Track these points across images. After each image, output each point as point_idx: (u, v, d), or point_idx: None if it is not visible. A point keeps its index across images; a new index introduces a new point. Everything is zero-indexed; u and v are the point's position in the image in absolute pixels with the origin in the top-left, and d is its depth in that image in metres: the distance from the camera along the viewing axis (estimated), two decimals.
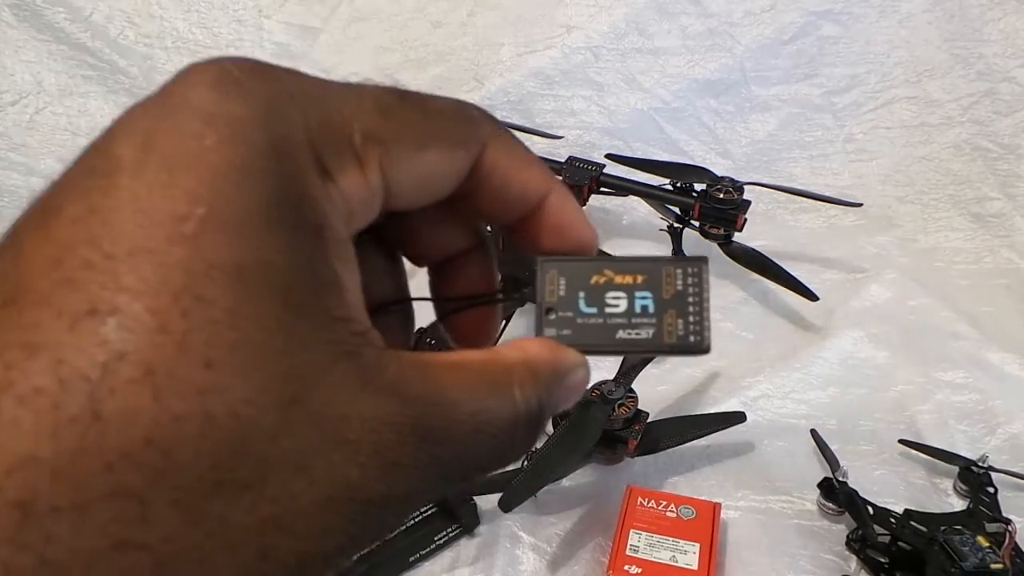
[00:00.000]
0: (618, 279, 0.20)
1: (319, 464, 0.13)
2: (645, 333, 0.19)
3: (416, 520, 0.54)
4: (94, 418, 0.12)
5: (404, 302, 0.22)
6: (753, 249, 0.79)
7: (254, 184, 0.14)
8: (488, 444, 0.16)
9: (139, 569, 0.12)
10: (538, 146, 0.92)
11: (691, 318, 0.19)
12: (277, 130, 0.14)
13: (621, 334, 0.19)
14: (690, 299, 0.19)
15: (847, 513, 0.55)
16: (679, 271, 0.20)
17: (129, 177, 0.13)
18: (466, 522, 0.56)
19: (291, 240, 0.14)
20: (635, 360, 0.61)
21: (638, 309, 0.19)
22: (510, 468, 0.59)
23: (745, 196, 0.76)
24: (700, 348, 0.19)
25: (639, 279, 0.20)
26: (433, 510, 0.55)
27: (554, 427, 0.60)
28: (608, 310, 0.20)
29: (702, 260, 0.20)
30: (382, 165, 0.16)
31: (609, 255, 0.20)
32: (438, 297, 0.23)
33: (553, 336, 0.19)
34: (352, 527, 0.14)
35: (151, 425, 0.12)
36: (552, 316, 0.20)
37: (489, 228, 0.22)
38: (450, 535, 0.55)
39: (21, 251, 0.13)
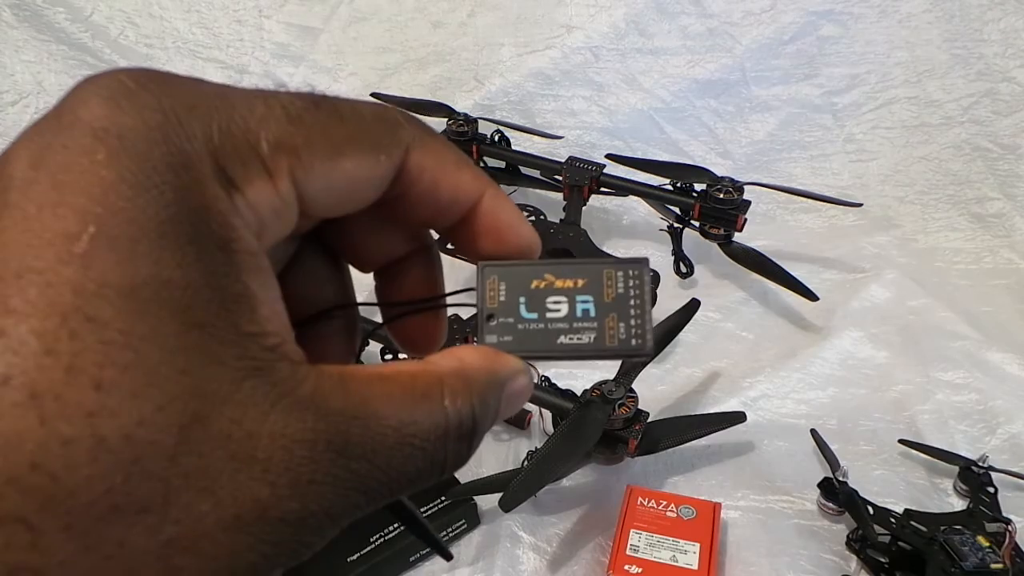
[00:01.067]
0: (559, 283, 0.19)
1: (225, 484, 0.13)
2: (587, 337, 0.19)
3: None
4: None
5: (345, 308, 0.22)
6: (753, 249, 0.79)
7: (148, 199, 0.13)
8: (415, 456, 0.15)
9: None
10: (538, 146, 0.93)
11: (632, 321, 0.19)
12: (174, 142, 0.14)
13: (563, 339, 0.19)
14: (631, 302, 0.19)
15: (847, 513, 0.55)
16: (620, 273, 0.19)
17: (19, 195, 0.13)
18: (466, 522, 0.56)
19: (191, 255, 0.13)
20: (635, 360, 0.61)
21: (579, 313, 0.19)
22: (509, 468, 0.59)
23: (745, 196, 0.76)
24: (642, 351, 0.19)
25: (580, 283, 0.19)
26: (434, 510, 0.55)
27: (554, 427, 0.60)
28: (549, 315, 0.19)
29: (642, 261, 0.19)
30: (294, 174, 0.15)
31: (550, 259, 0.20)
32: (382, 302, 0.22)
33: (494, 343, 0.19)
34: (264, 546, 0.14)
35: (37, 449, 0.12)
36: (493, 322, 0.19)
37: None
38: (450, 535, 0.55)
39: None
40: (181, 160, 0.14)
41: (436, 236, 0.22)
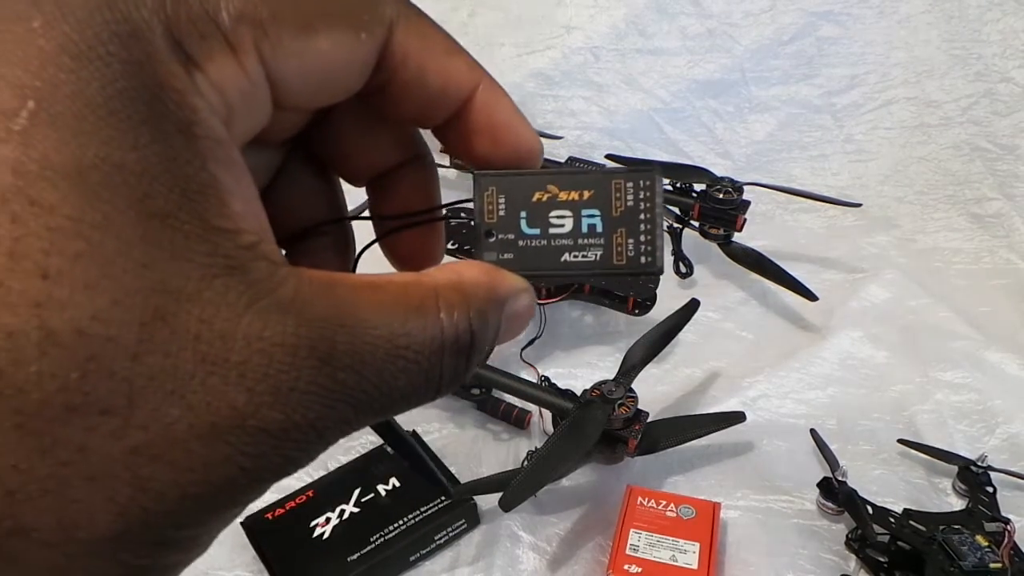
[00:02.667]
0: (563, 195, 0.18)
1: (196, 388, 0.12)
2: (593, 255, 0.18)
3: (416, 520, 0.54)
4: None
5: (336, 222, 0.20)
6: (753, 249, 0.79)
7: (93, 72, 0.12)
8: (409, 371, 0.14)
9: None
10: None
11: (642, 236, 0.18)
12: (120, 9, 0.12)
13: (567, 256, 0.18)
14: (642, 216, 0.18)
15: (846, 513, 0.55)
16: (630, 184, 0.18)
17: None
18: (466, 522, 0.56)
19: (147, 138, 0.12)
20: (635, 360, 0.61)
21: (585, 229, 0.18)
22: (509, 468, 0.59)
23: (745, 196, 0.76)
24: (652, 269, 0.18)
25: (586, 195, 0.18)
26: (434, 509, 0.55)
27: (554, 427, 0.60)
28: (552, 231, 0.18)
29: (654, 170, 0.18)
30: (260, 51, 0.14)
31: (553, 168, 0.19)
32: (373, 215, 0.20)
33: (493, 260, 0.18)
34: (243, 459, 0.13)
35: None
36: (492, 239, 0.18)
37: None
38: (450, 535, 0.55)
39: None
40: (128, 29, 0.12)
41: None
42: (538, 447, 0.57)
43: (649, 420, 0.58)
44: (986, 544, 0.50)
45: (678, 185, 0.80)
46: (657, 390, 0.69)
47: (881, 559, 0.52)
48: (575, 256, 0.18)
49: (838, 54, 0.95)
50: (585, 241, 0.18)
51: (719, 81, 0.96)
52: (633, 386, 0.58)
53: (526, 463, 0.58)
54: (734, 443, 0.63)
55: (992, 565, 0.48)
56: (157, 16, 0.12)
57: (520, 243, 0.18)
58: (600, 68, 0.96)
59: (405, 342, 0.14)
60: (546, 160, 0.85)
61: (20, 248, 0.11)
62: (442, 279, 0.16)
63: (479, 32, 0.97)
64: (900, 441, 0.62)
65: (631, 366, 0.60)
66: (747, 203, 0.76)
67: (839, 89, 0.96)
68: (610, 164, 0.84)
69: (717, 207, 0.75)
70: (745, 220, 0.76)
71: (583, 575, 0.54)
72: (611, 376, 0.59)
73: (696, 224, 0.79)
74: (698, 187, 0.78)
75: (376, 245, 0.21)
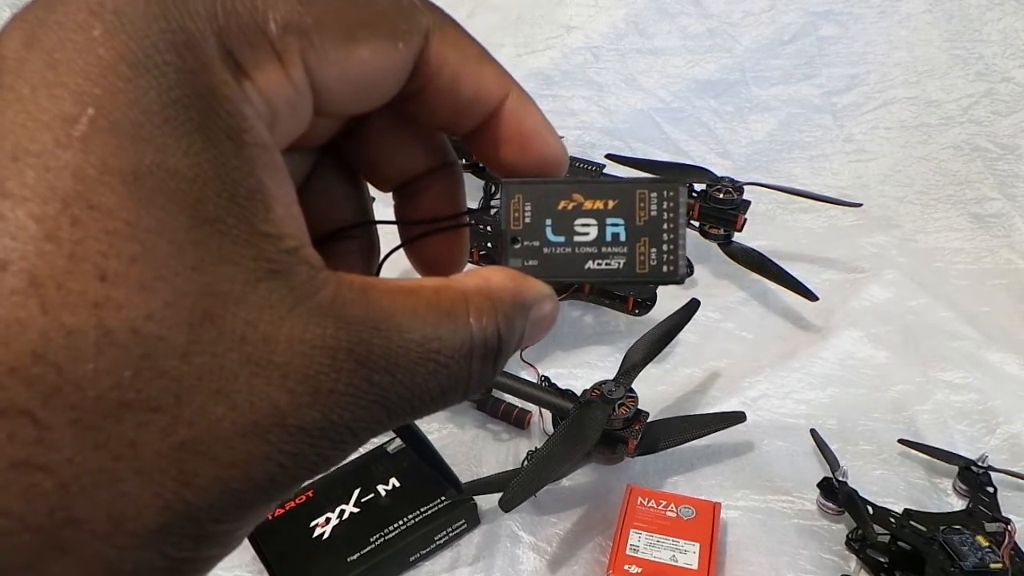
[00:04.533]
0: (588, 204, 0.18)
1: (240, 387, 0.12)
2: (616, 263, 0.18)
3: (416, 520, 0.54)
4: None
5: (364, 226, 0.21)
6: (753, 249, 0.79)
7: (150, 80, 0.12)
8: (439, 373, 0.15)
9: (42, 491, 0.11)
10: None
11: (665, 246, 0.18)
12: (175, 19, 0.12)
13: (590, 264, 0.18)
14: (665, 226, 0.18)
15: (847, 513, 0.55)
16: (654, 195, 0.18)
17: (12, 76, 0.12)
18: (466, 522, 0.56)
19: (199, 144, 0.12)
20: (635, 360, 0.61)
21: (609, 237, 0.18)
22: (509, 468, 0.59)
23: (745, 196, 0.76)
24: (674, 278, 0.18)
25: (611, 204, 0.18)
26: (434, 509, 0.55)
27: (554, 427, 0.60)
28: (577, 238, 0.18)
29: (678, 182, 0.18)
30: (305, 60, 0.14)
31: (579, 178, 0.19)
32: (400, 220, 0.21)
33: (519, 267, 0.18)
34: (283, 456, 0.13)
35: (40, 339, 0.11)
36: (517, 245, 0.18)
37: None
38: (450, 535, 0.55)
39: None
40: (184, 39, 0.12)
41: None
42: (538, 447, 0.57)
43: (649, 420, 0.58)
44: (987, 544, 0.50)
45: None
46: (657, 390, 0.69)
47: (881, 559, 0.52)
48: (599, 264, 0.18)
49: (838, 54, 0.95)
50: (609, 249, 0.18)
51: (719, 81, 0.96)
52: (633, 386, 0.58)
53: (526, 463, 0.58)
54: (734, 443, 0.63)
55: (992, 565, 0.48)
56: (210, 26, 0.13)
57: (545, 250, 0.18)
58: (600, 68, 0.96)
59: (437, 346, 0.15)
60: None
61: (80, 250, 0.11)
62: (471, 285, 0.16)
63: (479, 32, 0.95)
64: (900, 441, 0.62)
65: (631, 366, 0.60)
66: (747, 203, 0.76)
67: (839, 89, 0.96)
68: (609, 162, 0.84)
69: (717, 207, 0.75)
70: (745, 220, 0.76)
71: (583, 575, 0.54)
72: (611, 376, 0.59)
73: (696, 224, 0.79)
74: (698, 187, 0.78)
75: (400, 249, 0.22)
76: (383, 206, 0.22)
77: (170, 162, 0.12)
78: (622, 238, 0.18)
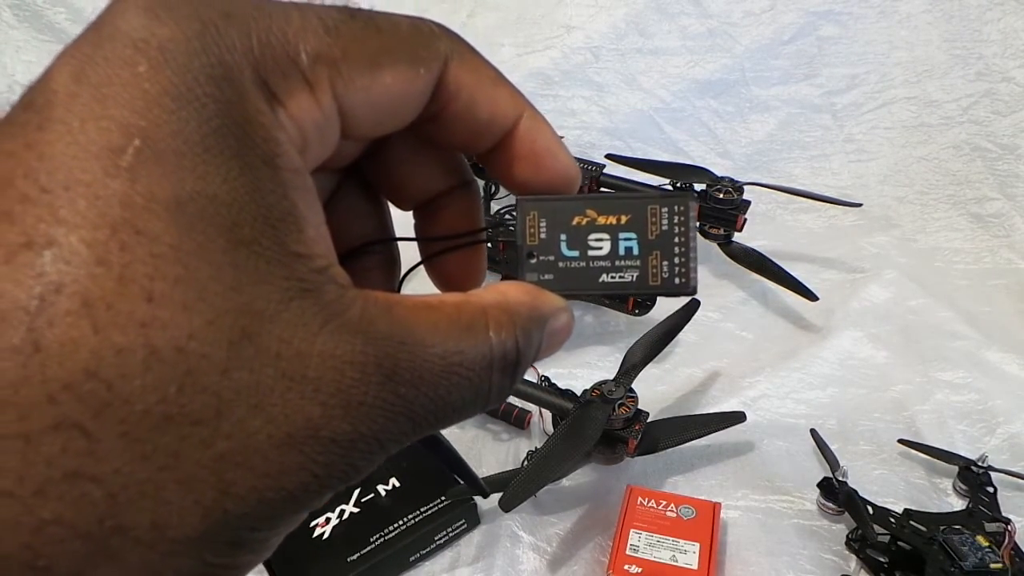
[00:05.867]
0: (601, 220, 0.19)
1: (276, 401, 0.13)
2: (629, 276, 0.19)
3: (416, 520, 0.54)
4: (34, 349, 0.12)
5: (384, 242, 0.21)
6: (753, 249, 0.79)
7: (191, 112, 0.13)
8: (461, 386, 0.16)
9: (92, 501, 0.12)
10: None
11: (677, 259, 0.19)
12: (215, 53, 0.13)
13: (604, 278, 0.19)
14: (676, 239, 0.19)
15: (847, 513, 0.55)
16: (664, 210, 0.19)
17: (63, 109, 0.13)
18: (466, 522, 0.56)
19: (237, 170, 0.13)
20: (635, 360, 0.61)
21: (622, 251, 0.19)
22: (509, 468, 0.59)
23: (745, 196, 0.76)
24: (686, 290, 0.19)
25: (623, 219, 0.19)
26: (434, 509, 0.55)
27: (554, 427, 0.60)
28: (591, 253, 0.19)
29: (688, 197, 0.19)
30: (334, 87, 0.15)
31: (592, 194, 0.19)
32: (420, 237, 0.22)
33: (534, 281, 0.19)
34: (315, 467, 0.14)
35: (91, 357, 0.12)
36: (533, 260, 0.19)
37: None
38: (450, 535, 0.55)
39: None
40: (222, 72, 0.13)
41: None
42: (538, 447, 0.57)
43: (649, 420, 0.58)
44: (987, 544, 0.50)
45: (678, 185, 0.80)
46: (657, 390, 0.69)
47: (881, 559, 0.52)
48: (612, 277, 0.19)
49: (838, 54, 0.95)
50: (622, 263, 0.19)
51: (719, 81, 0.96)
52: (633, 386, 0.58)
53: (526, 463, 0.58)
54: (734, 443, 0.63)
55: (993, 565, 0.48)
56: (246, 58, 0.14)
57: (560, 264, 0.19)
58: (600, 68, 0.96)
59: (458, 359, 0.15)
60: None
61: (128, 273, 0.12)
62: (489, 299, 0.17)
63: (479, 32, 0.97)
64: (900, 441, 0.62)
65: (631, 366, 0.60)
66: (747, 203, 0.76)
67: (839, 89, 0.96)
68: (609, 162, 0.84)
69: (717, 207, 0.75)
70: (745, 220, 0.76)
71: (583, 575, 0.54)
72: (611, 376, 0.59)
73: (697, 224, 0.78)
74: (698, 187, 0.78)
75: (420, 265, 0.22)
76: (404, 224, 0.22)
77: (210, 188, 0.13)
78: (635, 252, 0.19)
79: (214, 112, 0.13)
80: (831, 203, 0.84)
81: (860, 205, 0.86)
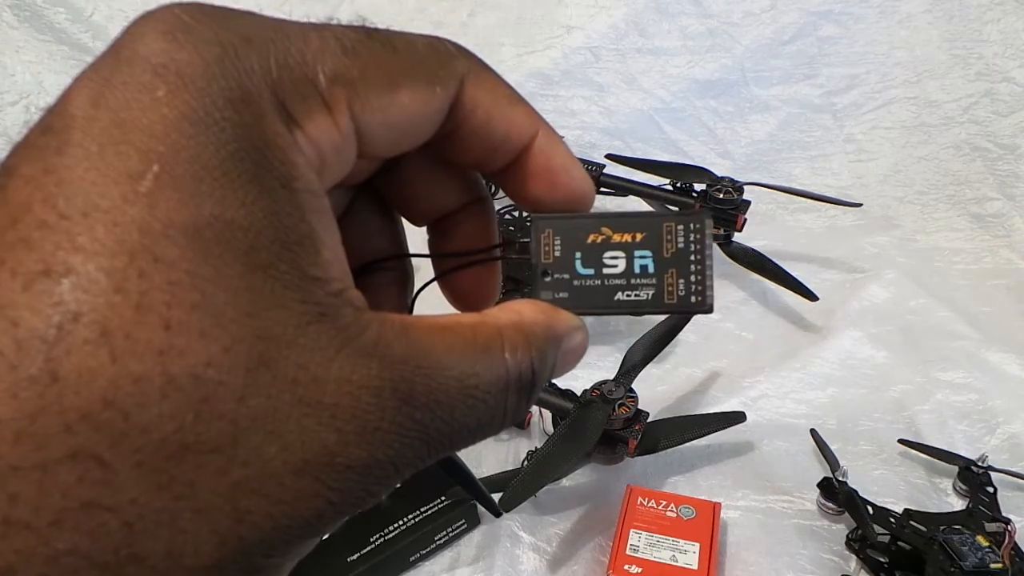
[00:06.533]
0: (616, 237, 0.19)
1: (292, 428, 0.13)
2: (645, 294, 0.19)
3: (416, 520, 0.54)
4: (52, 379, 0.11)
5: (398, 258, 0.21)
6: (753, 249, 0.79)
7: (210, 136, 0.13)
8: (477, 408, 0.15)
9: (108, 531, 0.12)
10: None
11: (693, 277, 0.18)
12: (233, 77, 0.13)
13: (620, 296, 0.19)
14: (692, 257, 0.18)
15: (847, 513, 0.55)
16: (680, 228, 0.19)
17: (81, 134, 0.13)
18: (466, 522, 0.56)
19: (254, 194, 0.13)
20: (635, 360, 0.61)
21: (637, 269, 0.19)
22: (509, 468, 0.59)
23: (745, 196, 0.76)
24: (702, 308, 0.18)
25: (638, 237, 0.19)
26: (434, 509, 0.55)
27: (554, 427, 0.60)
28: (606, 271, 0.19)
29: (705, 215, 0.19)
30: (352, 108, 0.15)
31: (606, 212, 0.19)
32: (434, 253, 0.22)
33: (549, 299, 0.19)
34: (331, 493, 0.14)
35: (109, 386, 0.12)
36: (548, 278, 0.19)
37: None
38: (450, 535, 0.55)
39: None
40: (241, 95, 0.13)
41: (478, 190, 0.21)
42: (538, 447, 0.57)
43: (649, 420, 0.58)
44: (987, 544, 0.50)
45: (678, 185, 0.80)
46: (657, 390, 0.69)
47: (881, 559, 0.52)
48: (628, 295, 0.19)
49: (838, 54, 0.95)
50: (637, 281, 0.19)
51: (719, 81, 0.96)
52: (633, 386, 0.58)
53: (526, 463, 0.58)
54: (734, 443, 0.63)
55: (993, 565, 0.48)
56: (264, 81, 0.14)
57: (575, 283, 0.19)
58: (600, 68, 0.96)
59: (475, 382, 0.15)
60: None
61: (146, 301, 0.12)
62: (504, 320, 0.17)
63: (479, 32, 0.97)
64: (900, 441, 0.62)
65: (631, 366, 0.60)
66: (747, 203, 0.76)
67: (839, 89, 0.96)
68: (609, 162, 0.84)
69: (717, 207, 0.75)
70: (745, 220, 0.76)
71: (583, 575, 0.54)
72: (611, 376, 0.59)
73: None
74: (698, 187, 0.78)
75: (434, 282, 0.22)
76: (417, 241, 0.22)
77: (228, 213, 0.13)
78: (650, 270, 0.19)
79: (232, 136, 0.13)
80: (831, 203, 0.84)
81: (860, 205, 0.86)
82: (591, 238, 0.19)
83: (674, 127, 0.98)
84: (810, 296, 0.76)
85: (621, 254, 0.19)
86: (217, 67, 0.13)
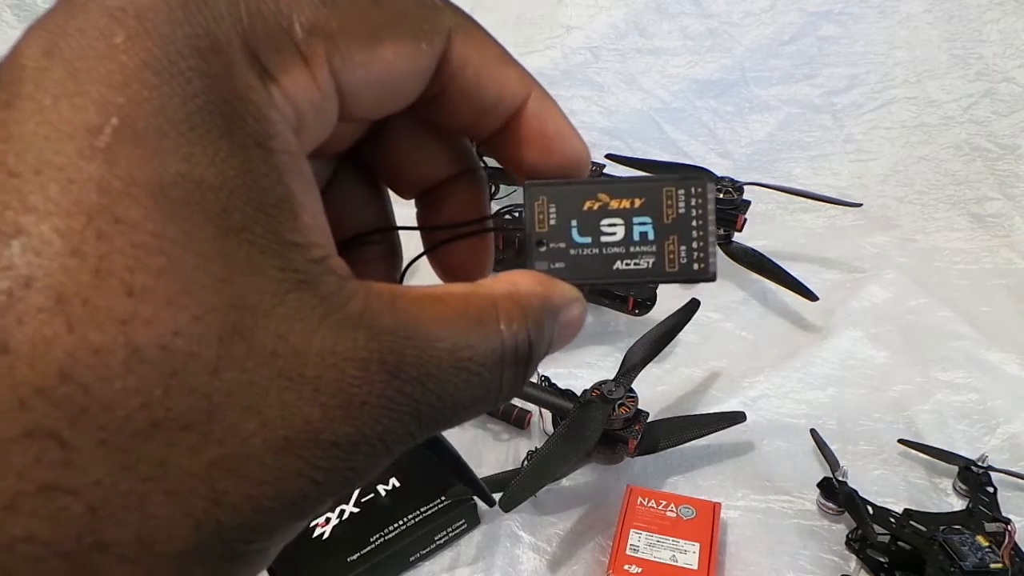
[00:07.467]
0: (614, 204, 0.18)
1: (272, 402, 0.12)
2: (644, 262, 0.18)
3: (416, 520, 0.54)
4: (2, 350, 0.11)
5: (384, 232, 0.20)
6: (753, 249, 0.79)
7: (174, 87, 0.12)
8: (471, 382, 0.14)
9: (71, 515, 0.11)
10: None
11: (695, 244, 0.18)
12: (200, 23, 0.12)
13: (619, 264, 0.18)
14: (693, 223, 0.18)
15: (847, 513, 0.55)
16: (681, 192, 0.18)
17: (32, 86, 0.11)
18: (466, 522, 0.56)
19: (225, 152, 0.12)
20: (635, 360, 0.61)
21: (636, 236, 0.18)
22: (509, 468, 0.59)
23: (745, 196, 0.76)
24: (705, 275, 0.18)
25: (637, 203, 0.18)
26: (434, 509, 0.55)
27: (554, 427, 0.60)
28: (604, 239, 0.18)
29: (706, 178, 0.18)
30: (331, 63, 0.14)
31: (603, 178, 0.19)
32: (423, 226, 0.21)
33: (545, 269, 0.18)
34: (315, 472, 0.13)
35: (66, 358, 0.11)
36: (543, 248, 0.18)
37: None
38: (450, 535, 0.55)
39: None
40: (209, 43, 0.12)
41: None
42: (538, 447, 0.57)
43: (649, 420, 0.58)
44: (987, 544, 0.50)
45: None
46: (657, 390, 0.69)
47: (881, 559, 0.52)
48: (627, 264, 0.18)
49: (838, 54, 0.95)
50: (637, 249, 0.18)
51: (719, 81, 0.96)
52: (633, 386, 0.58)
53: (526, 463, 0.58)
54: (734, 443, 0.63)
55: (992, 565, 0.48)
56: (234, 29, 0.12)
57: (572, 252, 0.18)
58: (600, 68, 0.96)
59: (468, 354, 0.14)
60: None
61: (106, 265, 0.11)
62: (499, 290, 0.16)
63: None
64: (900, 441, 0.62)
65: (631, 366, 0.60)
66: (747, 203, 0.76)
67: (839, 89, 0.96)
68: (609, 162, 0.84)
69: (718, 207, 0.75)
70: (745, 220, 0.76)
71: (583, 575, 0.54)
72: (611, 376, 0.59)
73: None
74: None
75: (423, 256, 0.21)
76: (405, 216, 0.21)
77: (196, 172, 0.12)
78: (650, 237, 0.18)
79: (200, 88, 0.12)
80: (831, 203, 0.84)
81: (860, 205, 0.86)
82: (587, 205, 0.18)
83: (674, 127, 0.98)
84: (810, 296, 0.76)
85: (619, 221, 0.18)
86: (181, 11, 0.12)
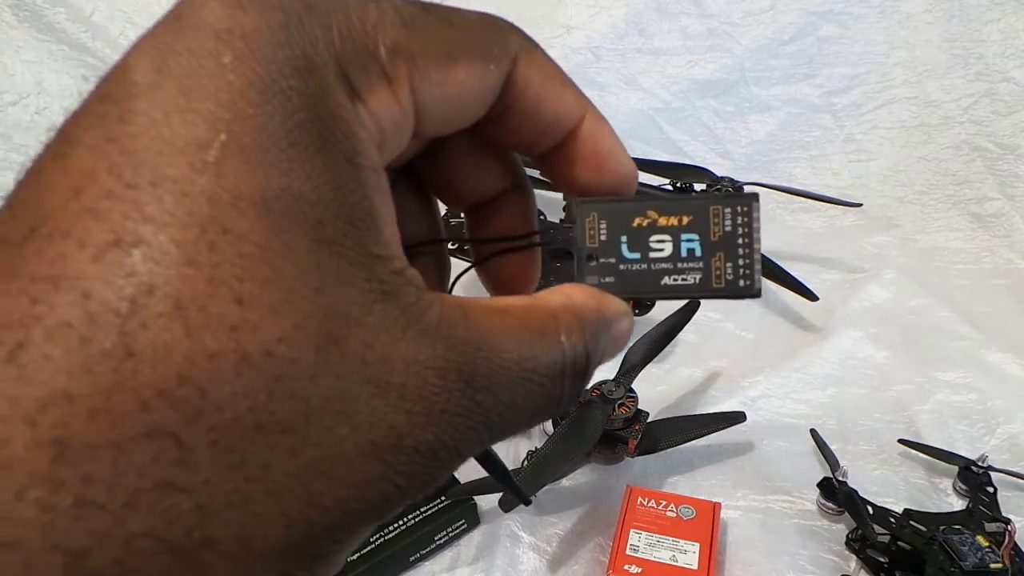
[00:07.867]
0: (662, 221, 0.18)
1: (362, 408, 0.13)
2: (692, 278, 0.18)
3: (416, 520, 0.54)
4: (126, 354, 0.11)
5: (438, 243, 0.21)
6: None
7: (276, 105, 0.12)
8: (535, 392, 0.15)
9: (181, 512, 0.11)
10: None
11: (741, 261, 0.18)
12: (298, 44, 0.13)
13: (666, 280, 0.18)
14: (740, 240, 0.18)
15: (847, 513, 0.55)
16: (727, 210, 0.18)
17: (145, 101, 0.12)
18: (466, 522, 0.56)
19: (320, 167, 0.13)
20: (635, 360, 0.61)
21: (684, 253, 0.18)
22: (510, 468, 0.59)
23: None
24: (750, 292, 0.18)
25: (685, 220, 0.18)
26: (434, 509, 0.55)
27: (554, 427, 0.60)
28: (652, 255, 0.18)
29: (752, 198, 0.18)
30: (412, 82, 0.14)
31: (652, 194, 0.19)
32: (475, 239, 0.21)
33: (595, 284, 0.18)
34: (397, 477, 0.13)
35: (185, 362, 0.11)
36: (593, 263, 0.19)
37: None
38: (450, 535, 0.55)
39: (41, 182, 0.12)
40: (305, 64, 0.13)
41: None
42: (538, 447, 0.57)
43: (649, 420, 0.58)
44: (987, 544, 0.49)
45: (678, 185, 0.80)
46: (657, 390, 0.69)
47: (881, 559, 0.52)
48: (674, 280, 0.18)
49: (838, 54, 0.95)
50: (684, 265, 0.18)
51: (719, 81, 0.96)
52: (633, 386, 0.58)
53: (526, 463, 0.58)
54: (734, 443, 0.63)
55: (993, 565, 0.48)
56: (328, 51, 0.13)
57: (621, 267, 0.19)
58: (600, 68, 0.96)
59: (532, 365, 0.15)
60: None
61: (218, 274, 0.12)
62: (556, 303, 0.16)
63: None
64: (900, 441, 0.62)
65: (631, 366, 0.60)
66: None
67: (839, 89, 0.96)
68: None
69: None
70: None
71: (583, 575, 0.54)
72: (611, 376, 0.59)
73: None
74: (698, 187, 0.78)
75: (472, 269, 0.22)
76: None
77: (295, 186, 0.12)
78: (697, 253, 0.18)
79: (298, 106, 0.13)
80: (831, 203, 0.84)
81: (860, 205, 0.86)
82: (637, 222, 0.18)
83: (674, 127, 0.98)
84: (810, 296, 0.76)
85: (668, 238, 0.18)
86: (282, 34, 0.13)
